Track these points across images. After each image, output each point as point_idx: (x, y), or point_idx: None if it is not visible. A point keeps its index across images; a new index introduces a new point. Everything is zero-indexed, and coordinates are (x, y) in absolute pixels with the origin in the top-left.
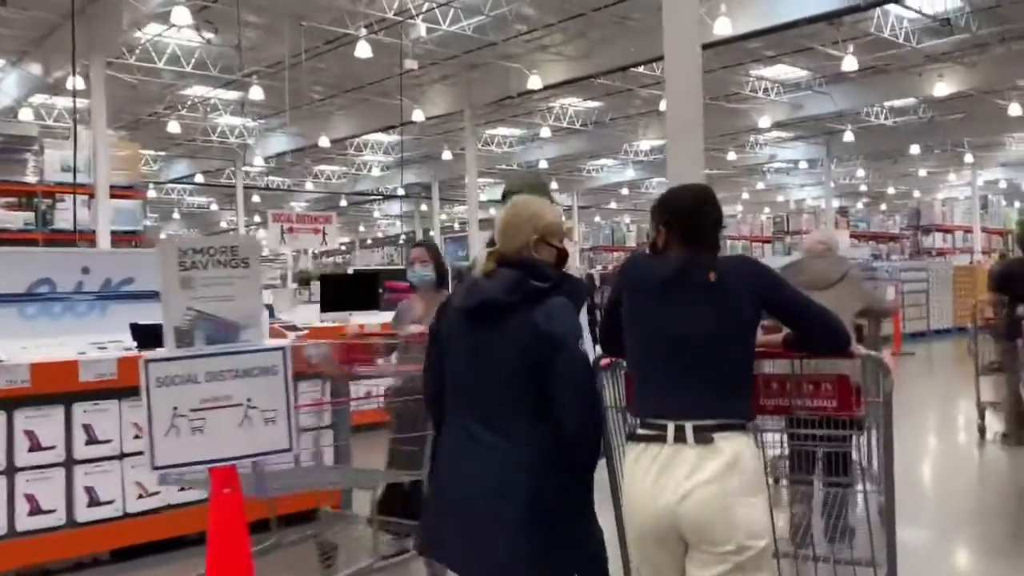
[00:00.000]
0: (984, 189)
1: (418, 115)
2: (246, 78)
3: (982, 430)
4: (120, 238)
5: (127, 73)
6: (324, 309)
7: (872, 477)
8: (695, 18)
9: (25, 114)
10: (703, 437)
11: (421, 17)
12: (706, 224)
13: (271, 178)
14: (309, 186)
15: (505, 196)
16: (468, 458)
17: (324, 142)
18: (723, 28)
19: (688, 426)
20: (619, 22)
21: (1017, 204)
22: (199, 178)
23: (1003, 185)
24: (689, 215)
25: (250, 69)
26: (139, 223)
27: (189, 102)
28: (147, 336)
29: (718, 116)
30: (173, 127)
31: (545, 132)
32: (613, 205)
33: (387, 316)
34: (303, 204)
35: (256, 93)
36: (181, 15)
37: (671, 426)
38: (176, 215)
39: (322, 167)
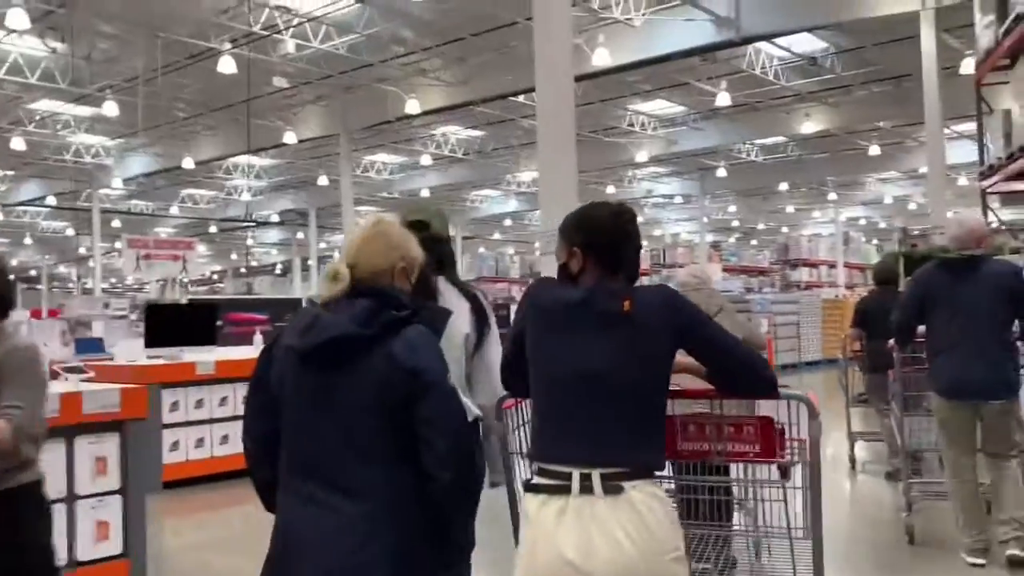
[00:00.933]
0: (846, 226)
1: (290, 137)
2: (99, 93)
3: (852, 460)
4: None
5: None
6: (149, 344)
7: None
8: (568, 47)
9: None
10: (612, 487)
11: (290, 33)
12: (627, 247)
13: (134, 202)
14: (175, 211)
15: (412, 224)
16: (310, 529)
17: (188, 163)
18: (601, 59)
19: (595, 474)
20: (499, 49)
21: (875, 241)
22: (51, 200)
23: (863, 223)
24: (608, 235)
25: (103, 83)
26: None
27: (38, 117)
28: None
29: (596, 149)
30: (18, 144)
31: (426, 160)
32: (497, 236)
33: (226, 352)
34: (170, 230)
35: (111, 109)
36: (18, 19)
37: (576, 474)
38: (28, 240)
39: (190, 191)
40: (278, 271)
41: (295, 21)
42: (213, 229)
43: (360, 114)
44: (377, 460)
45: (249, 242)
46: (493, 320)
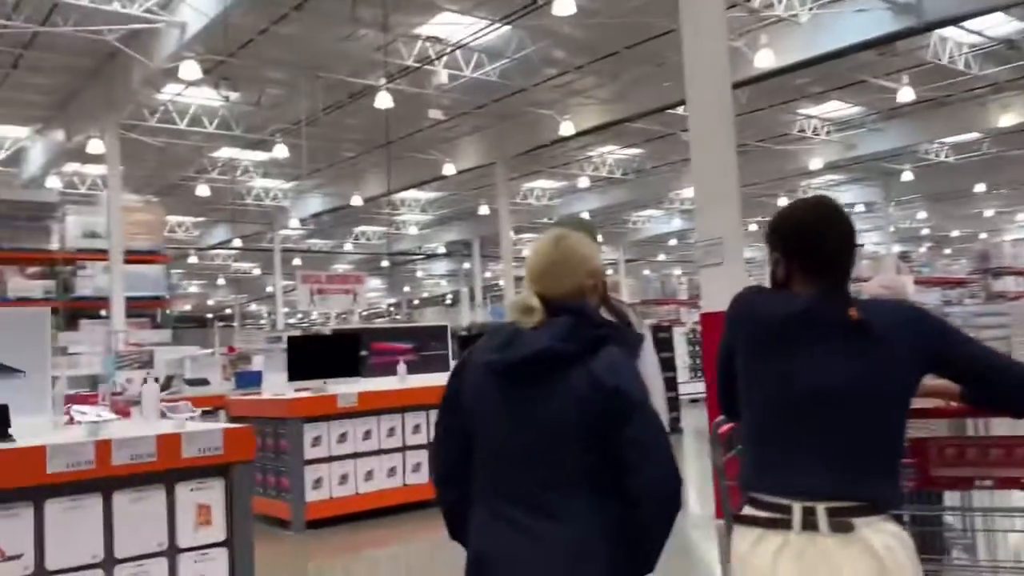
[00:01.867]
0: None
1: (449, 169)
2: (270, 137)
3: None
4: (140, 304)
5: (150, 136)
6: (293, 377)
7: None
8: (722, 51)
9: (52, 182)
10: (841, 524)
11: (443, 63)
12: (834, 247)
13: (312, 241)
14: (350, 247)
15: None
16: (509, 554)
17: (357, 201)
18: (765, 61)
19: (820, 508)
20: (653, 61)
21: None
22: (237, 242)
23: None
24: (808, 235)
25: (274, 127)
26: (162, 288)
27: (220, 164)
28: None
29: (766, 159)
30: (203, 191)
31: (584, 183)
32: (662, 257)
33: (370, 383)
34: (347, 266)
35: (280, 151)
36: (190, 70)
37: (797, 507)
38: (221, 281)
39: (361, 228)
40: (448, 301)
41: (447, 51)
42: (385, 263)
43: (515, 140)
44: (580, 483)
45: (419, 274)
46: (648, 337)
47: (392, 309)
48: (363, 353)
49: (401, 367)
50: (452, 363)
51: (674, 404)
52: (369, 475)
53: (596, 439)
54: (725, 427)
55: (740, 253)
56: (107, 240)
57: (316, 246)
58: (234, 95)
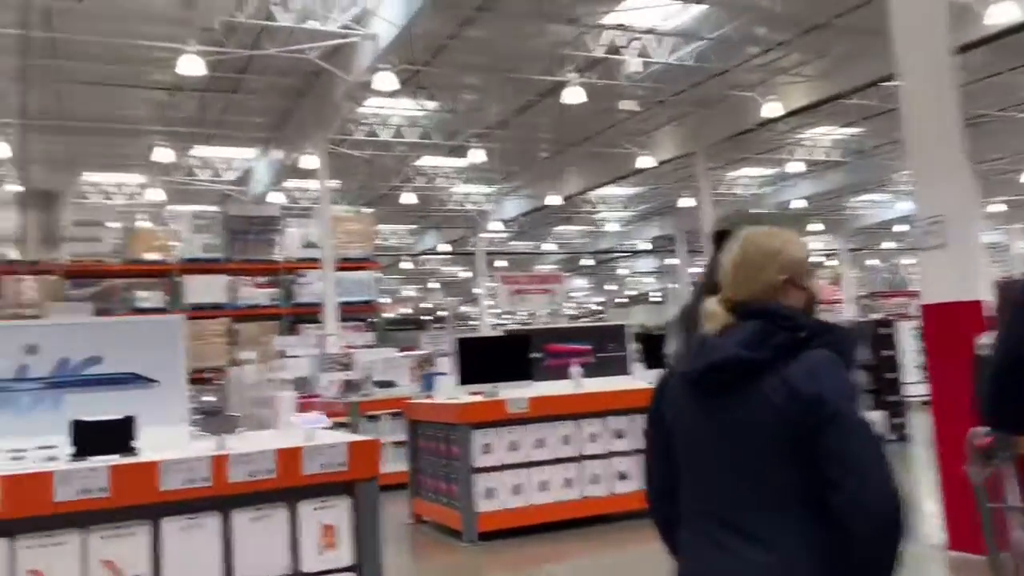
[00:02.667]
0: None
1: (646, 162)
2: (466, 143)
3: None
4: (353, 309)
5: (357, 149)
6: (465, 380)
7: None
8: (941, 11)
9: (275, 198)
10: None
11: (634, 51)
12: None
13: (515, 243)
14: (552, 247)
15: (720, 234)
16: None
17: (555, 200)
18: (1002, 15)
19: None
20: (866, 30)
21: None
22: (445, 247)
23: None
24: None
25: (470, 132)
26: (373, 293)
27: (424, 172)
28: (94, 437)
29: (1010, 130)
30: (408, 199)
31: (795, 168)
32: (888, 245)
33: (543, 388)
34: (551, 266)
35: (477, 156)
36: (386, 81)
37: None
38: (434, 284)
39: (562, 227)
40: (655, 299)
41: (637, 37)
42: (590, 261)
43: (716, 126)
44: (786, 502)
45: (624, 272)
46: None
47: (601, 308)
48: (536, 355)
49: (575, 370)
50: (631, 366)
51: (898, 408)
52: (544, 486)
53: (800, 453)
54: (985, 439)
55: (970, 234)
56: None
57: (519, 248)
58: (431, 104)
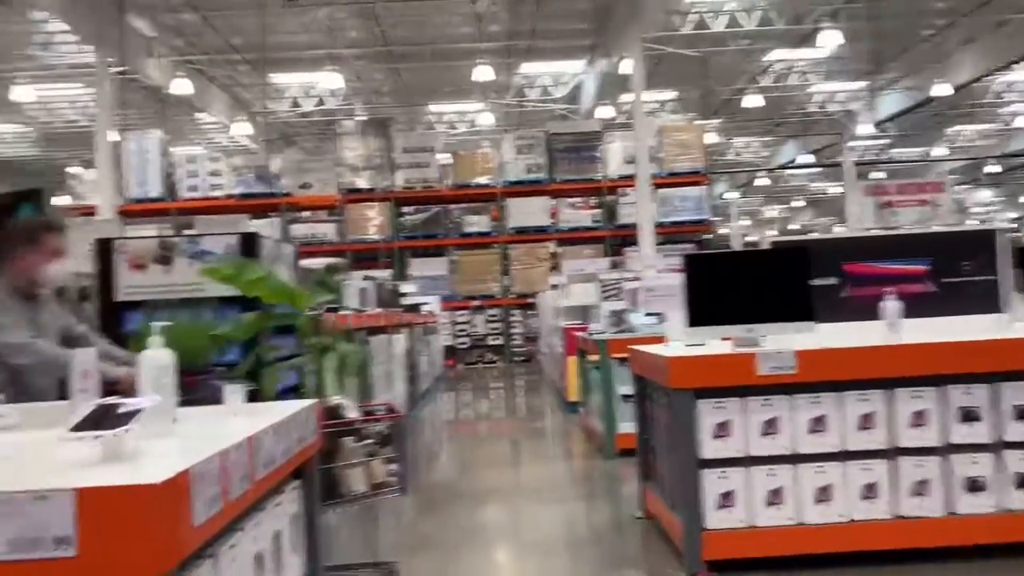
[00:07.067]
0: None
1: None
2: (818, 24)
3: None
4: (677, 229)
5: (687, 47)
6: (697, 320)
7: None
8: None
9: (604, 113)
10: None
11: None
12: None
13: (896, 151)
14: (941, 152)
15: None
16: None
17: (942, 90)
18: None
19: None
20: None
21: None
22: (806, 159)
23: None
24: None
25: (823, 9)
26: (703, 212)
27: (773, 70)
28: None
29: None
30: (753, 101)
31: None
32: None
33: (832, 334)
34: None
35: (832, 40)
36: None
37: None
38: (799, 202)
39: (957, 127)
40: None
41: None
42: (996, 168)
43: None
44: None
45: None
46: None
47: (1012, 227)
48: (829, 282)
49: (891, 305)
50: (1007, 299)
51: None
52: (823, 493)
53: None
54: None
55: None
56: (657, 165)
57: (902, 156)
58: None
